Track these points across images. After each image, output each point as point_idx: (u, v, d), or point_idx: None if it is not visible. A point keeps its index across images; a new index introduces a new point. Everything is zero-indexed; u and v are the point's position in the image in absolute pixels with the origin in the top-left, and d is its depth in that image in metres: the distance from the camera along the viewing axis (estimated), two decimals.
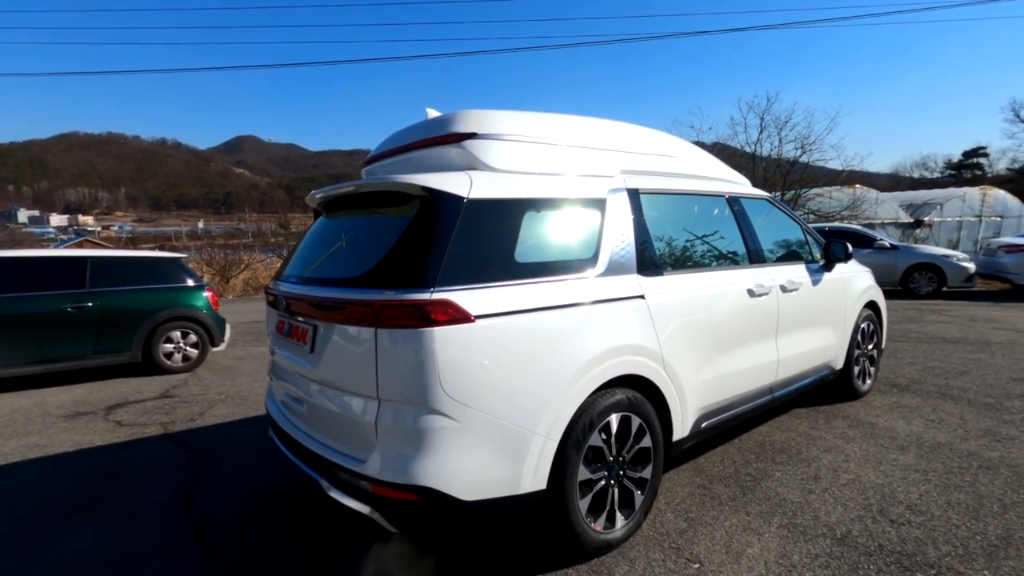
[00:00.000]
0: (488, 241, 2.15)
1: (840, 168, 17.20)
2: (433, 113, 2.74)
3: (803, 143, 16.61)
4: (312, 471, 2.28)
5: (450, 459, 1.96)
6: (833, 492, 2.87)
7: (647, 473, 2.56)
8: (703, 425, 2.90)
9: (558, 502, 2.19)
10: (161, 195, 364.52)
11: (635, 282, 2.55)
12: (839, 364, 4.09)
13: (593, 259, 2.44)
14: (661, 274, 2.70)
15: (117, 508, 2.96)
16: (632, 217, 2.68)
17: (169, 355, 6.26)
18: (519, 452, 2.07)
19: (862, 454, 3.34)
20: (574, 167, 2.61)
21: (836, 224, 14.15)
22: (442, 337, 1.93)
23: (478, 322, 2.00)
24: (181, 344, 6.33)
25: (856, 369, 4.31)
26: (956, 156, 53.05)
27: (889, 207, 18.22)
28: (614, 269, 2.50)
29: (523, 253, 2.22)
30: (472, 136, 2.40)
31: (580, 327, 2.26)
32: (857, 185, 18.55)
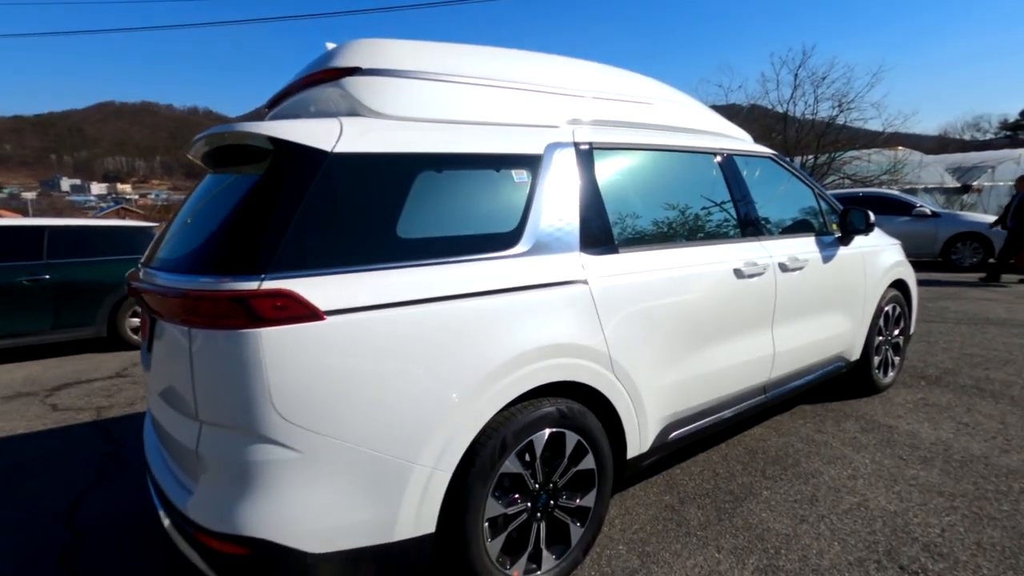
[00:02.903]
0: (358, 210, 1.62)
1: (881, 129, 15.86)
2: (331, 47, 2.18)
3: (840, 101, 15.35)
4: (155, 496, 1.84)
5: (290, 501, 1.48)
6: (831, 521, 2.31)
7: (589, 500, 2.05)
8: (671, 436, 2.37)
9: (455, 547, 1.71)
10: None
11: (575, 262, 1.99)
12: (855, 355, 3.46)
13: (515, 233, 1.89)
14: (614, 252, 2.13)
15: (1, 514, 2.61)
16: (579, 179, 2.10)
17: (136, 330, 5.96)
18: (392, 489, 1.58)
19: (874, 468, 2.75)
20: (500, 114, 2.04)
21: (871, 189, 13.07)
22: (273, 341, 1.42)
23: (331, 319, 1.49)
24: None
25: (876, 360, 3.67)
26: (1013, 116, 48.87)
27: (934, 171, 16.88)
28: (546, 246, 1.94)
29: (409, 226, 1.69)
30: (354, 72, 1.84)
31: (487, 323, 1.73)
32: (899, 147, 17.19)
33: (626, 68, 2.65)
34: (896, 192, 12.21)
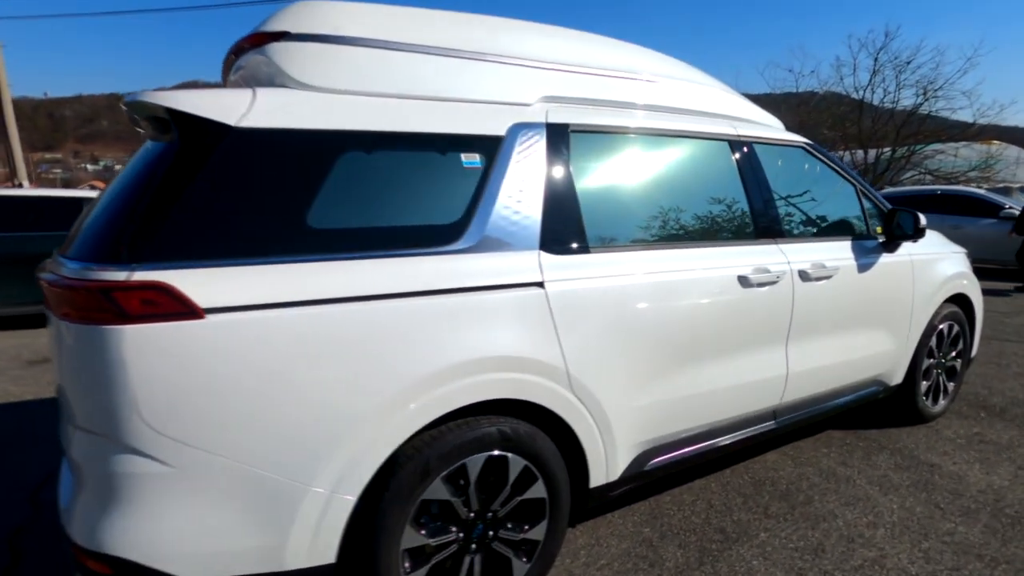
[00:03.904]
0: (262, 195, 1.42)
1: (972, 120, 14.30)
2: None
3: (926, 88, 13.92)
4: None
5: (159, 520, 1.32)
6: None
7: (538, 533, 1.80)
8: (650, 464, 2.08)
9: None
10: None
11: (531, 262, 1.72)
12: (896, 378, 3.00)
13: (457, 227, 1.65)
14: (585, 251, 1.84)
15: None
16: (548, 166, 1.82)
17: None
18: (280, 513, 1.39)
19: (901, 516, 2.35)
20: (457, 88, 1.78)
21: (952, 187, 11.84)
22: (139, 340, 1.25)
23: (212, 318, 1.30)
24: None
25: (924, 384, 3.18)
26: None
27: None
28: (495, 243, 1.69)
29: (325, 215, 1.48)
30: (282, 36, 1.63)
31: (406, 329, 1.50)
32: (993, 141, 15.52)
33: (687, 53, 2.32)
34: (983, 191, 10.99)
